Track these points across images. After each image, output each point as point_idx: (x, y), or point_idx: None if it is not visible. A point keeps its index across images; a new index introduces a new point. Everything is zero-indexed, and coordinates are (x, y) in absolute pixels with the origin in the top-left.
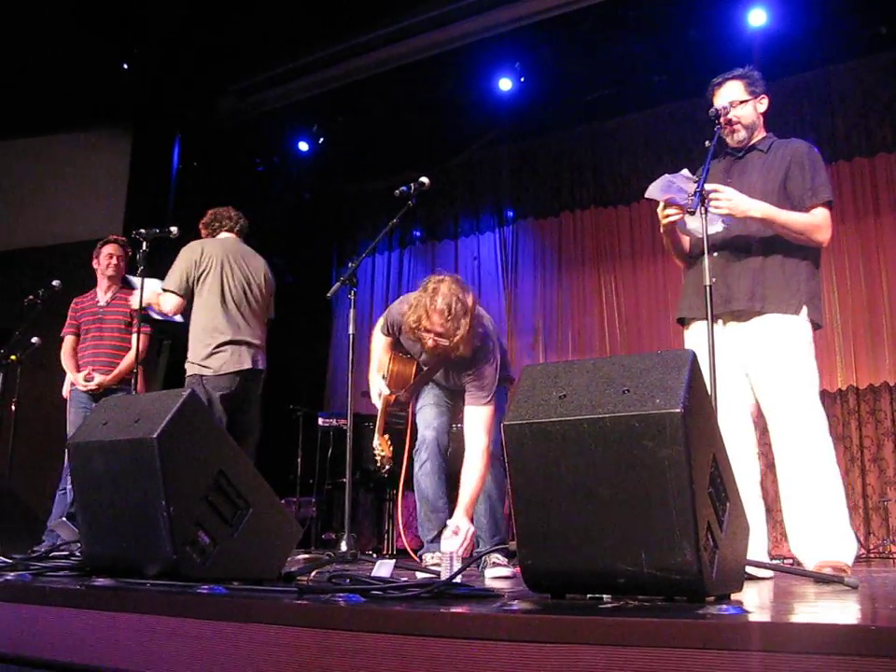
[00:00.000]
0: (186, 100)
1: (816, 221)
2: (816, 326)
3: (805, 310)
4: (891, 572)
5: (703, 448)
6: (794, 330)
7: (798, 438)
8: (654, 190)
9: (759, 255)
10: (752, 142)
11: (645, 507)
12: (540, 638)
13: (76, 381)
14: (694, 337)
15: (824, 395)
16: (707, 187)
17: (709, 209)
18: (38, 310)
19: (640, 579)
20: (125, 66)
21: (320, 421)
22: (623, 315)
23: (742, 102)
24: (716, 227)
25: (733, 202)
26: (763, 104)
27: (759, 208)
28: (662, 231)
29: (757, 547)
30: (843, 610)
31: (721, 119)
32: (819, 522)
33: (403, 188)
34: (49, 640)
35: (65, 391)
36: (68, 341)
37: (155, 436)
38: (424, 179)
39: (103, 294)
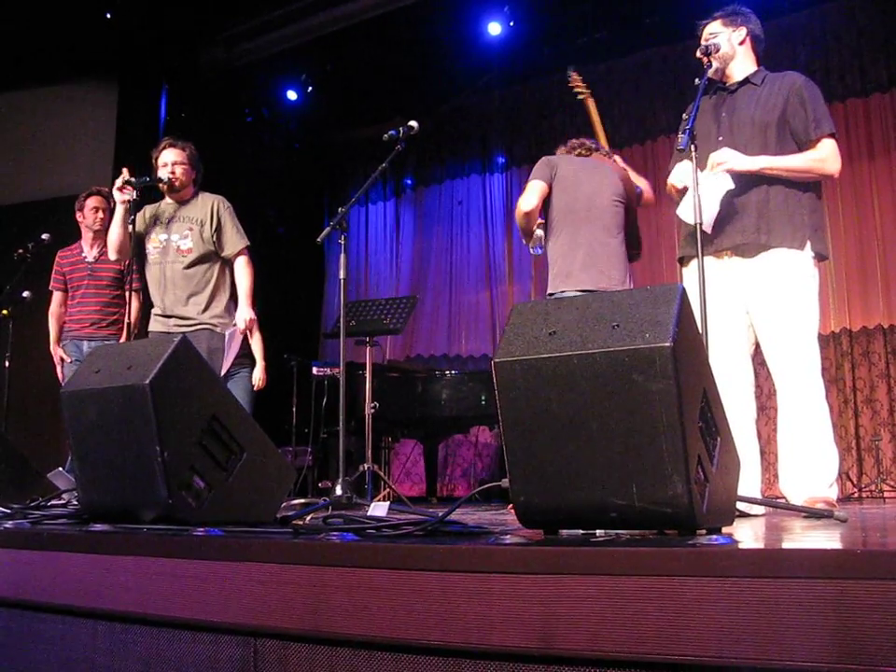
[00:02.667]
0: (172, 50)
1: (822, 155)
2: (821, 258)
3: (808, 244)
4: (882, 509)
5: (693, 382)
6: (799, 269)
7: (793, 377)
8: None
9: (762, 187)
10: (745, 75)
11: (636, 441)
12: (532, 570)
13: (53, 353)
14: (692, 275)
15: (818, 337)
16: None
17: (713, 172)
18: (28, 263)
19: (632, 512)
20: (108, 16)
21: (314, 370)
22: None
23: (712, 34)
24: (728, 185)
25: (732, 161)
26: (741, 34)
27: (758, 162)
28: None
29: (750, 485)
30: (831, 539)
31: (703, 58)
32: (809, 459)
33: (392, 131)
34: (49, 584)
35: (56, 352)
36: (56, 297)
37: (147, 382)
38: (412, 123)
39: (89, 249)
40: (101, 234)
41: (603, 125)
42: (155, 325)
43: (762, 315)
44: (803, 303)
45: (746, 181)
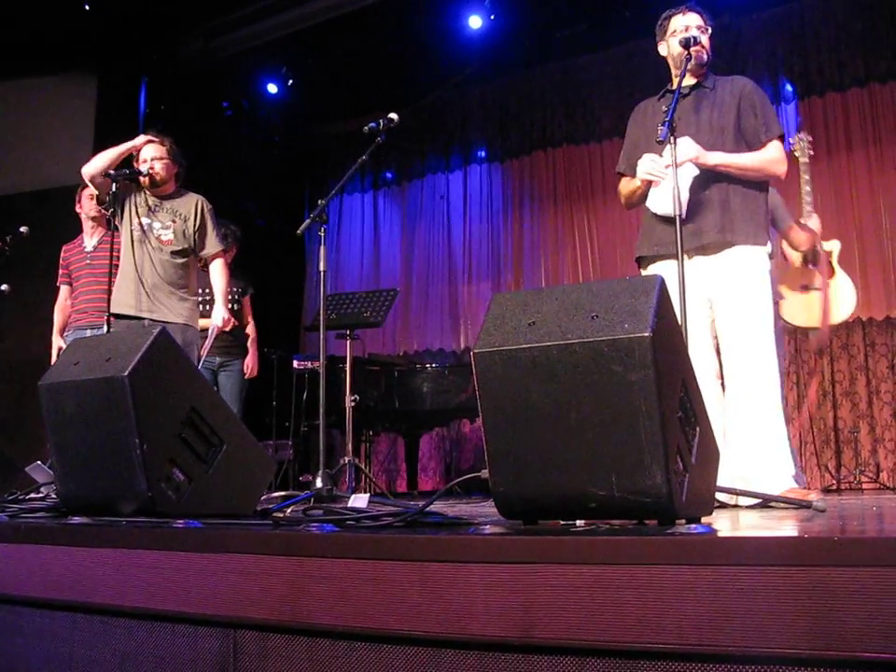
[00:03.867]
0: (151, 42)
1: (772, 156)
2: (771, 256)
3: (768, 242)
4: (860, 500)
5: (672, 373)
6: (761, 264)
7: (752, 372)
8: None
9: (723, 187)
10: (697, 79)
11: (615, 431)
12: (512, 559)
13: (54, 343)
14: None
15: (798, 330)
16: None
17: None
18: (6, 257)
19: (612, 503)
20: (87, 7)
21: (295, 364)
22: (595, 252)
23: (698, 27)
24: (693, 171)
25: (693, 152)
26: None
27: (715, 157)
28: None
29: (724, 475)
30: (809, 527)
31: (683, 50)
32: (776, 454)
33: (372, 124)
34: (27, 577)
35: (55, 342)
36: (63, 291)
37: (126, 374)
38: (393, 116)
39: (89, 238)
40: (99, 221)
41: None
42: (122, 307)
43: (724, 307)
44: (763, 297)
45: (706, 182)
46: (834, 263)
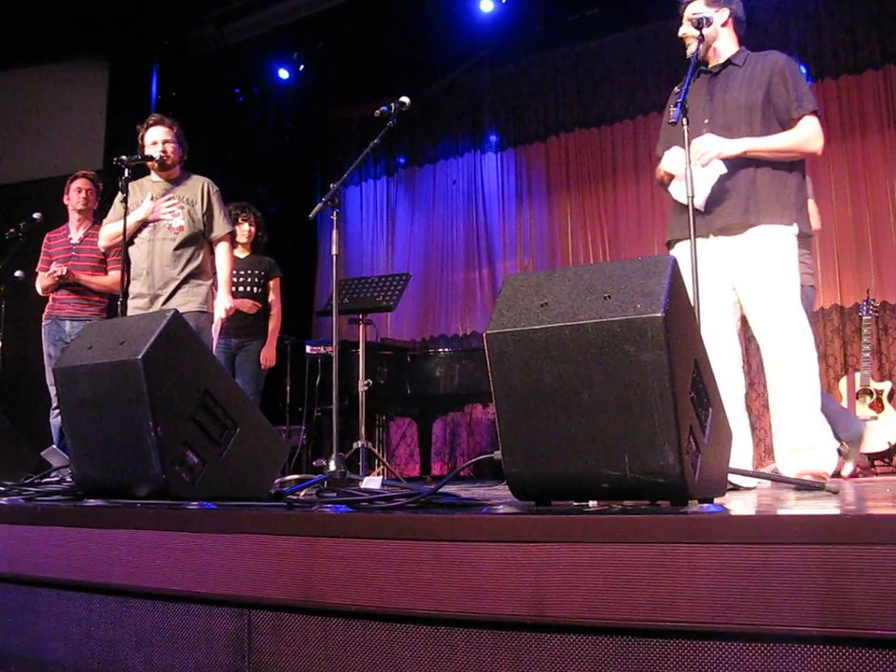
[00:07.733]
0: (162, 28)
1: (805, 134)
2: (806, 236)
3: (795, 224)
4: (873, 483)
5: (684, 353)
6: (785, 243)
7: (783, 350)
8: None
9: (749, 169)
10: (727, 57)
11: (628, 412)
12: (525, 539)
13: (44, 282)
14: (679, 255)
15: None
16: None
17: (700, 163)
18: (20, 243)
19: (624, 483)
20: None
21: (308, 349)
22: (606, 236)
23: (696, 14)
24: (721, 169)
25: (716, 149)
26: (723, 15)
27: (742, 145)
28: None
29: (740, 458)
30: (821, 507)
31: (696, 31)
32: (799, 431)
33: (384, 107)
34: (44, 559)
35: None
36: (41, 278)
37: (140, 357)
38: (404, 99)
39: (75, 230)
40: (86, 214)
41: None
42: (139, 309)
43: (749, 289)
44: (789, 276)
45: (733, 163)
46: (884, 400)
